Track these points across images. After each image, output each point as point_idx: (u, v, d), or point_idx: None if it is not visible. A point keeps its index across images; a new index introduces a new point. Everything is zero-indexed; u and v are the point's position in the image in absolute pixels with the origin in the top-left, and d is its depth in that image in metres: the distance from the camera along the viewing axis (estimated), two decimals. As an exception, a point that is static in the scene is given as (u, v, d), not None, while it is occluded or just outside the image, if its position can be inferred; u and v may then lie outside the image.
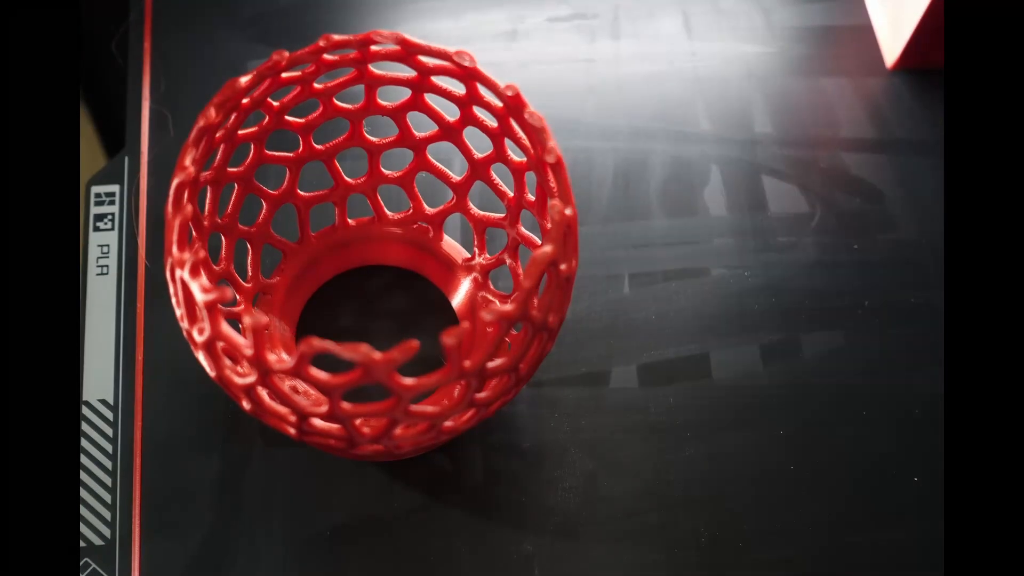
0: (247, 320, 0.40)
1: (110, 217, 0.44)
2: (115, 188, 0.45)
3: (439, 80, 0.37)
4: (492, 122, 0.38)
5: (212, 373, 0.33)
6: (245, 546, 0.38)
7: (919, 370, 0.43)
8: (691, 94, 0.50)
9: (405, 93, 0.39)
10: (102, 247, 0.44)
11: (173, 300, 0.33)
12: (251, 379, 0.31)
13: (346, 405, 0.30)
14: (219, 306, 0.38)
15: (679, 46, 0.51)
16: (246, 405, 0.33)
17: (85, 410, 0.40)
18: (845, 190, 0.47)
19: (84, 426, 0.40)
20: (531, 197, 0.38)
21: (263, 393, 0.32)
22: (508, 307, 0.31)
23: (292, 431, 0.33)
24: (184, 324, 0.33)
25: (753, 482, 0.40)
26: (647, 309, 0.44)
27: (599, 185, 0.47)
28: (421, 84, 0.38)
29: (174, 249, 0.31)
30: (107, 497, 0.39)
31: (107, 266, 0.43)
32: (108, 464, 0.39)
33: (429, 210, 0.42)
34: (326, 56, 0.35)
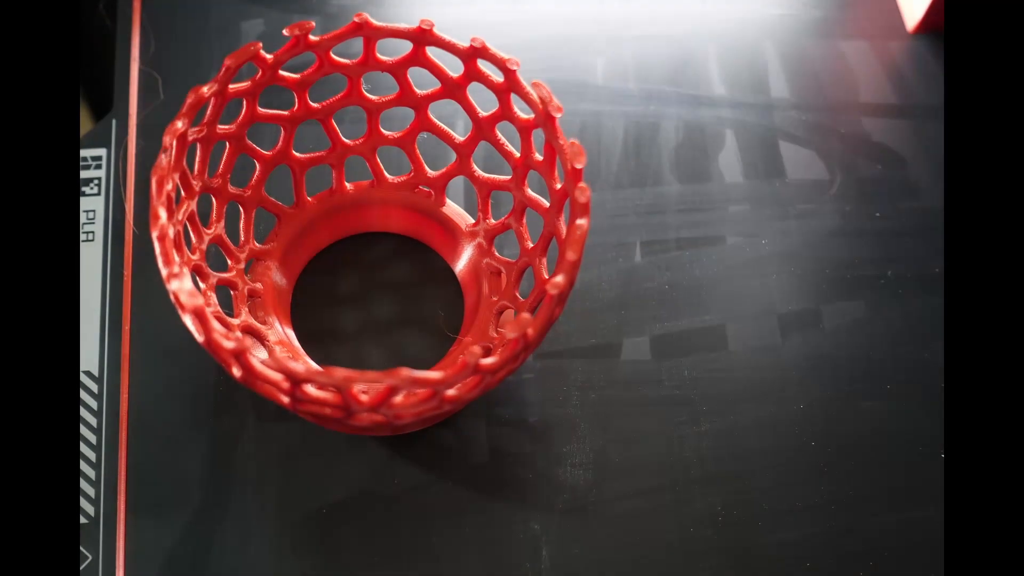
0: (241, 287, 0.38)
1: (96, 182, 0.42)
2: (102, 152, 0.43)
3: (442, 32, 0.35)
4: (498, 76, 0.36)
5: (200, 338, 0.31)
6: (236, 525, 0.36)
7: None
8: (705, 57, 0.48)
9: (406, 47, 0.36)
10: (88, 212, 0.41)
11: (159, 260, 0.31)
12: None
13: (342, 370, 0.28)
14: (208, 269, 0.36)
15: (692, 7, 0.49)
16: (236, 372, 0.31)
17: (69, 382, 0.38)
18: (866, 156, 0.45)
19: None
20: (539, 157, 0.36)
21: (254, 359, 0.30)
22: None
23: (285, 399, 0.31)
24: (170, 285, 0.31)
25: (772, 458, 0.38)
26: (660, 278, 0.41)
27: (609, 150, 0.45)
28: (423, 36, 0.35)
29: (161, 210, 0.29)
30: (91, 473, 0.37)
31: (93, 232, 0.41)
32: (92, 439, 0.37)
33: (431, 173, 0.40)
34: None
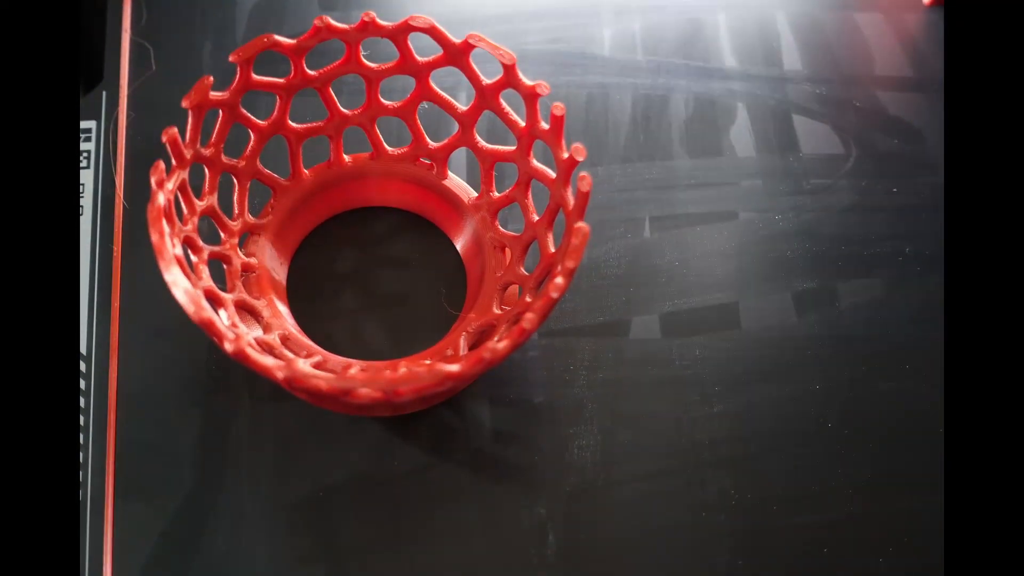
0: (234, 262, 0.36)
1: (86, 155, 0.41)
2: (91, 124, 0.42)
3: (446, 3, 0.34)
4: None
5: (191, 309, 0.29)
6: (229, 509, 0.35)
7: (965, 322, 0.39)
8: (715, 28, 0.46)
9: (406, 12, 0.35)
10: (76, 186, 0.40)
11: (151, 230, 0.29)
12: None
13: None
14: (201, 242, 0.35)
15: (702, -23, 0.48)
16: (228, 347, 0.29)
17: (56, 361, 0.37)
18: (882, 130, 0.44)
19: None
20: (545, 125, 0.35)
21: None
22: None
23: (280, 375, 0.29)
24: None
25: (787, 440, 0.37)
26: (670, 254, 0.40)
27: (616, 123, 0.43)
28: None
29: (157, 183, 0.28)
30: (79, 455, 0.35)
31: (82, 207, 0.40)
32: (80, 420, 0.36)
33: (432, 144, 0.39)
34: None
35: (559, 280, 0.28)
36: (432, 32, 0.35)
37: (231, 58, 0.33)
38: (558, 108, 0.33)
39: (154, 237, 0.28)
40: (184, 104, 0.32)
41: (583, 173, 0.31)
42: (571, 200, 0.34)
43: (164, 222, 0.29)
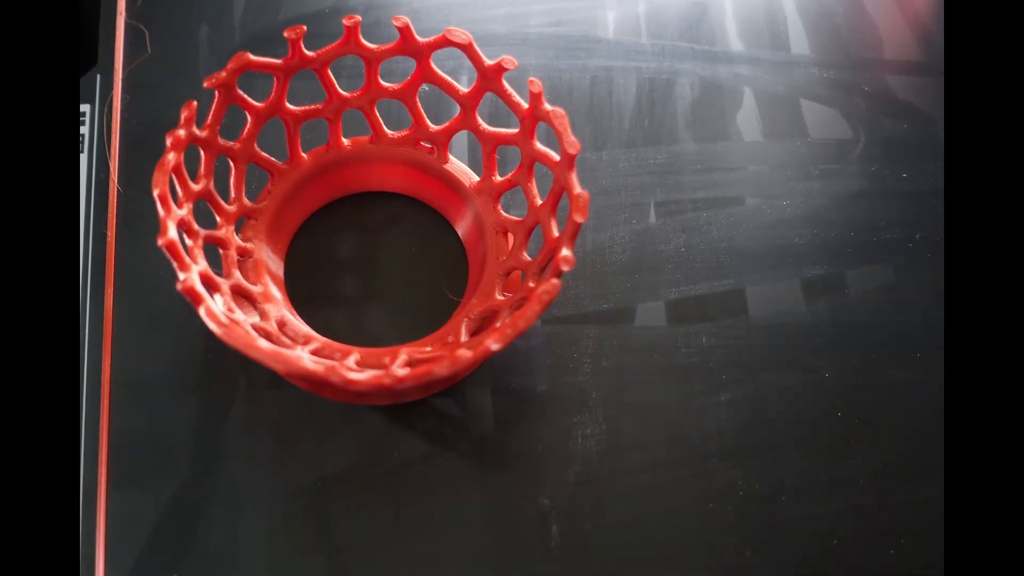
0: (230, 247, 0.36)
1: (80, 138, 0.40)
2: (86, 108, 0.41)
3: None
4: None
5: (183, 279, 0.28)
6: (225, 499, 0.34)
7: (977, 309, 0.38)
8: (721, 10, 0.45)
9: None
10: (69, 170, 0.39)
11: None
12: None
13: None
14: (196, 227, 0.34)
15: (707, -40, 0.47)
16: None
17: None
18: (892, 115, 0.43)
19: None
20: (549, 107, 0.34)
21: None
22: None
23: (277, 363, 0.29)
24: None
25: (796, 430, 0.36)
26: (675, 240, 0.39)
27: (621, 108, 0.42)
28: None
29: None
30: (71, 444, 0.35)
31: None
32: (79, 408, 0.35)
33: (433, 127, 0.38)
34: None
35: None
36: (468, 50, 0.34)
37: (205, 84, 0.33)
38: (558, 115, 0.32)
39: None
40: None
41: (582, 191, 0.31)
42: (575, 184, 0.33)
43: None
